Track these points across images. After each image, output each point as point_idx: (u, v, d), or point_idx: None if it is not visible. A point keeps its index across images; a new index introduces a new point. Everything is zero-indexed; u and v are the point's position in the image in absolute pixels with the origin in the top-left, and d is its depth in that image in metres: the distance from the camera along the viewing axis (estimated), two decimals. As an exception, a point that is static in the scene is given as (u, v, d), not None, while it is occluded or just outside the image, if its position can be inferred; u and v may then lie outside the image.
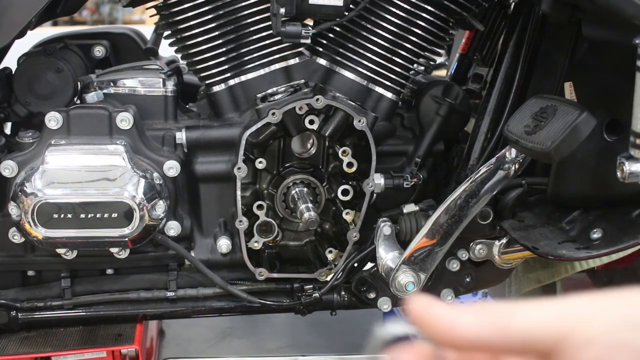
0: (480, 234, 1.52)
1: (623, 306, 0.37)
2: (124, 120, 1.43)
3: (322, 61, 1.52)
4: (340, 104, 1.44)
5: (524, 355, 0.39)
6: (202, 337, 2.08)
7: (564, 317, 0.37)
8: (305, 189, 1.53)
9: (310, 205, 1.47)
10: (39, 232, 1.38)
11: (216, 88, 1.52)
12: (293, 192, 1.52)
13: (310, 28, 1.41)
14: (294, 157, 1.55)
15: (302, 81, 1.51)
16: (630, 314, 0.36)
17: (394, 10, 1.48)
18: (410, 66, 1.53)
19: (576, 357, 0.36)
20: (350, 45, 1.50)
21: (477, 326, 0.38)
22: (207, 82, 1.52)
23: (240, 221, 1.47)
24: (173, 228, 1.48)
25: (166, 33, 1.54)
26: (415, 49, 1.51)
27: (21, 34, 1.43)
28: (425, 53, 1.54)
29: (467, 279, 1.58)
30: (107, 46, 1.73)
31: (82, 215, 1.38)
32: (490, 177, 1.37)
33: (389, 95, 1.54)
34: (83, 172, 1.39)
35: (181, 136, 1.49)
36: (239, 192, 1.46)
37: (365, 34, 1.49)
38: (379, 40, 1.49)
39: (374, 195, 1.51)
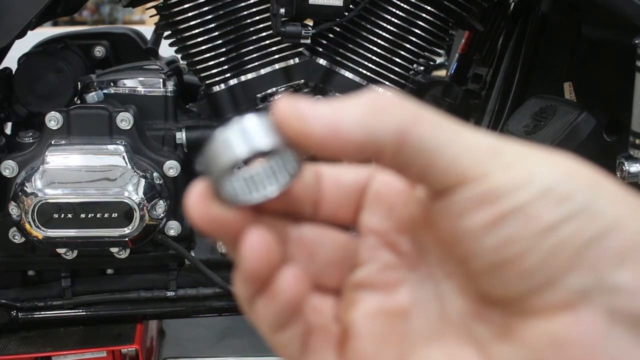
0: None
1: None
2: (124, 120, 1.43)
3: (322, 61, 1.52)
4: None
5: (411, 179, 0.29)
6: (202, 337, 2.08)
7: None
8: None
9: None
10: (39, 232, 1.38)
11: (216, 88, 1.52)
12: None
13: (310, 28, 1.41)
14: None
15: (302, 81, 1.51)
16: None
17: (393, 10, 1.48)
18: (410, 66, 1.53)
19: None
20: (350, 46, 1.50)
21: (369, 127, 0.28)
22: (207, 82, 1.52)
23: (240, 221, 1.47)
24: (173, 228, 1.48)
25: (166, 33, 1.54)
26: (415, 49, 1.51)
27: (21, 34, 1.43)
28: (425, 53, 1.54)
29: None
30: (107, 46, 1.73)
31: (82, 215, 1.38)
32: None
33: (389, 95, 1.54)
34: (83, 172, 1.39)
35: (181, 136, 1.49)
36: (239, 192, 1.45)
37: (365, 34, 1.49)
38: (379, 41, 1.49)
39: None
